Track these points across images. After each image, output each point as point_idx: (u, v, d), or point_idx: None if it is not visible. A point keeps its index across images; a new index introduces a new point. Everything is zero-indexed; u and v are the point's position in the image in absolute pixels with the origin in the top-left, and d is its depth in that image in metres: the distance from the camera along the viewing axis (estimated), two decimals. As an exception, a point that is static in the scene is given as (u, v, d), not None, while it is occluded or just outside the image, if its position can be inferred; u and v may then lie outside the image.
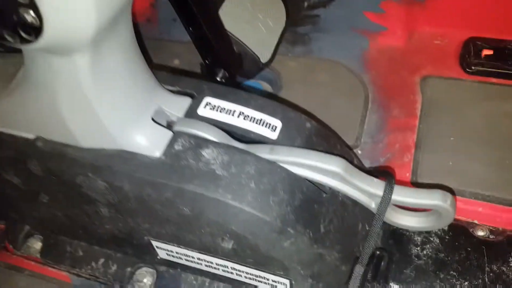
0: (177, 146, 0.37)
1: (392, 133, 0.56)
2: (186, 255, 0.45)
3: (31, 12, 0.24)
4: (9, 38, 0.25)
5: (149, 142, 0.37)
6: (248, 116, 0.40)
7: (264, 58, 0.53)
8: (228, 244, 0.39)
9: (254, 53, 0.51)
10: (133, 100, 0.37)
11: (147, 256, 0.50)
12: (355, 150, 0.55)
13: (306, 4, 0.68)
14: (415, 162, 0.51)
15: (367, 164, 0.54)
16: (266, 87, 0.67)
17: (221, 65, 0.47)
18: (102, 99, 0.34)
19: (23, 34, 0.25)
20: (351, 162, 0.36)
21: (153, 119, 0.39)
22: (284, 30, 0.58)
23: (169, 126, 0.40)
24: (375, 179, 0.35)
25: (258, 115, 0.40)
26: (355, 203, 0.40)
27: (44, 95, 0.34)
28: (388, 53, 0.67)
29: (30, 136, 0.39)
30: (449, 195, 0.33)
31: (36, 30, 0.25)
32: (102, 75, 0.32)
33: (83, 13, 0.25)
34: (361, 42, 0.69)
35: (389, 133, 0.56)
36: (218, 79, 0.48)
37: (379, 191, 0.35)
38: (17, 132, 0.40)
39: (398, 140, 0.55)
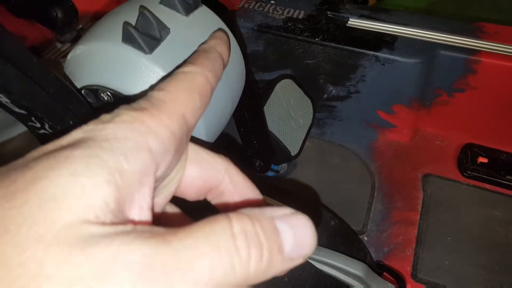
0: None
1: (395, 224, 0.63)
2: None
3: None
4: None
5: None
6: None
7: (293, 152, 0.60)
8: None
9: (286, 147, 0.58)
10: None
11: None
12: (361, 236, 0.62)
13: (325, 96, 0.76)
14: (415, 257, 0.58)
15: (372, 252, 0.60)
16: (282, 165, 0.74)
17: (259, 157, 0.54)
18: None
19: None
20: (369, 265, 0.43)
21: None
22: (310, 126, 0.65)
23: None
24: (390, 284, 0.42)
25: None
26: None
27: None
28: (394, 147, 0.75)
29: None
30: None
31: None
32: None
33: None
34: (370, 133, 0.77)
35: (393, 224, 0.63)
36: (255, 167, 0.55)
37: (392, 295, 0.41)
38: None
39: (401, 232, 0.61)
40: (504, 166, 0.67)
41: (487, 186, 0.66)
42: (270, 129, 0.56)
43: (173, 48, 0.29)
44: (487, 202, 0.64)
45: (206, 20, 0.33)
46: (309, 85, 0.74)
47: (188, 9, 0.32)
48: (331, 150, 0.77)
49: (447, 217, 0.62)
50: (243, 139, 0.51)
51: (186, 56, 0.30)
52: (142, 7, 0.29)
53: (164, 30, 0.29)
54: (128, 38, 0.28)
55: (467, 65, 0.66)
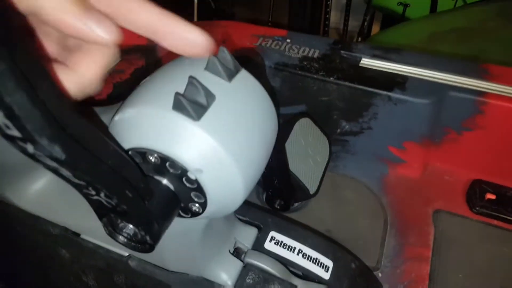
0: (248, 279, 0.45)
1: (409, 260, 0.65)
2: None
3: (198, 205, 0.33)
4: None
5: (225, 272, 0.44)
6: (306, 254, 0.49)
7: (312, 190, 0.63)
8: None
9: (305, 186, 0.61)
10: (221, 238, 0.45)
11: None
12: (376, 273, 0.64)
13: (338, 130, 0.79)
14: (429, 295, 0.60)
15: (386, 288, 0.62)
16: (297, 197, 0.77)
17: (279, 196, 0.56)
18: (202, 242, 0.42)
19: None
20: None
21: (229, 250, 0.47)
22: (327, 164, 0.68)
23: (238, 254, 0.48)
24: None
25: (314, 254, 0.49)
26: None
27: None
28: (405, 182, 0.77)
29: (124, 253, 0.47)
30: None
31: (199, 214, 0.34)
32: (209, 224, 0.41)
33: (236, 200, 0.34)
34: (381, 167, 0.79)
35: (406, 260, 0.65)
36: (276, 206, 0.57)
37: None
38: (112, 247, 0.47)
39: (414, 269, 0.63)
40: (511, 203, 0.69)
41: (495, 222, 0.69)
42: (289, 168, 0.58)
43: (219, 114, 0.32)
44: (497, 239, 0.66)
45: (246, 85, 0.35)
46: (323, 120, 0.77)
47: (231, 75, 0.35)
48: (344, 184, 0.79)
49: (458, 254, 0.65)
50: (264, 178, 0.54)
51: (230, 121, 0.33)
52: (191, 77, 0.31)
53: (210, 97, 0.32)
54: (178, 106, 0.30)
55: (474, 106, 0.69)
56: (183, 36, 0.30)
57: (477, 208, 0.70)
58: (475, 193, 0.72)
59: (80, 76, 0.29)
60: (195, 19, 2.07)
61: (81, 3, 0.26)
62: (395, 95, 0.70)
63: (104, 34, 0.27)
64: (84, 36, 0.27)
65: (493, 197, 0.71)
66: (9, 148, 0.22)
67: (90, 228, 0.47)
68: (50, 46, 0.32)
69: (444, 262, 0.64)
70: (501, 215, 0.69)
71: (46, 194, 0.49)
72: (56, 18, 0.26)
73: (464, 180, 0.76)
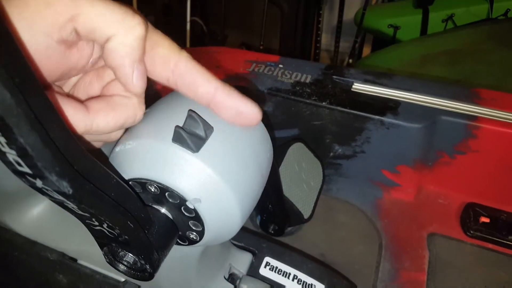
0: (244, 306, 0.45)
1: (404, 285, 0.64)
2: None
3: (195, 233, 0.33)
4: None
5: (221, 299, 0.44)
6: (301, 280, 0.48)
7: (306, 215, 0.63)
8: None
9: (300, 211, 0.61)
10: (216, 263, 0.45)
11: None
12: (372, 298, 0.63)
13: (331, 154, 0.79)
14: (426, 321, 0.59)
15: (383, 314, 0.61)
16: (292, 221, 0.76)
17: (274, 221, 0.56)
18: (197, 268, 0.42)
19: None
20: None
21: (224, 276, 0.47)
22: (321, 188, 0.68)
23: (233, 280, 0.48)
24: None
25: (309, 279, 0.49)
26: None
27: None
28: (399, 205, 0.77)
29: (120, 278, 0.47)
30: None
31: (196, 242, 0.34)
32: (204, 250, 0.41)
33: (232, 228, 0.34)
34: (375, 191, 0.80)
35: (401, 285, 0.65)
36: (270, 230, 0.57)
37: None
38: (109, 273, 0.47)
39: (410, 294, 0.63)
40: (505, 226, 0.70)
41: (490, 246, 0.69)
42: (284, 193, 0.58)
43: (216, 146, 0.32)
44: (492, 263, 0.66)
45: None
46: (315, 143, 0.78)
47: None
48: (338, 207, 0.79)
49: (453, 278, 0.64)
50: (258, 203, 0.54)
51: (227, 152, 0.33)
52: (190, 110, 0.32)
53: (208, 129, 0.32)
54: (178, 139, 0.31)
55: (467, 130, 0.70)
56: (237, 109, 0.31)
57: (471, 232, 0.70)
58: (469, 216, 0.72)
59: (92, 122, 0.30)
60: (188, 41, 2.10)
61: (143, 52, 0.29)
62: (387, 119, 0.71)
63: (136, 84, 0.29)
64: (121, 76, 0.29)
65: (487, 220, 0.71)
66: (7, 174, 0.22)
67: (87, 254, 0.47)
68: (93, 88, 0.33)
69: (439, 287, 0.64)
70: (496, 239, 0.69)
71: (44, 219, 0.49)
72: (119, 53, 0.27)
73: (458, 203, 0.76)
